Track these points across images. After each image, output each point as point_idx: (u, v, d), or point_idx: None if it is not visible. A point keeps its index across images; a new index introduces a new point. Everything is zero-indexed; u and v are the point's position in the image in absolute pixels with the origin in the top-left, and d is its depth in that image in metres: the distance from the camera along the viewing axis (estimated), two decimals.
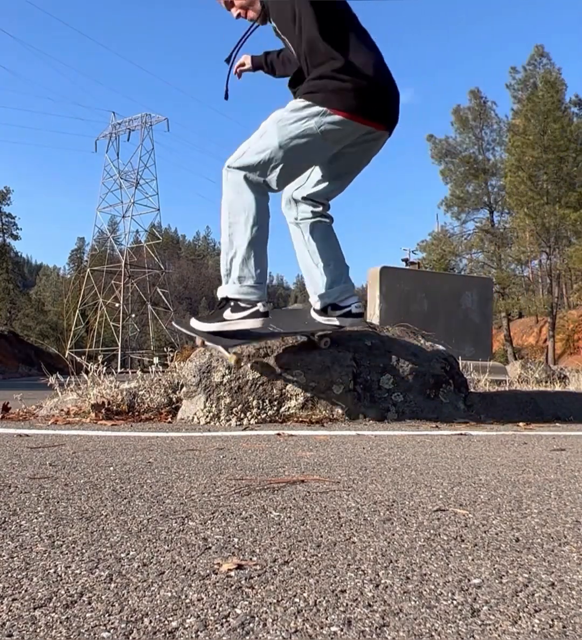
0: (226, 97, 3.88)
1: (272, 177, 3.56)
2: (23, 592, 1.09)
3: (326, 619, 0.99)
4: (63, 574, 1.18)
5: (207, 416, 4.26)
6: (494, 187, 51.05)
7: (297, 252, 4.14)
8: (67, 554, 1.30)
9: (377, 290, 11.06)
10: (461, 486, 2.11)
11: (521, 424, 4.53)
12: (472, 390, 5.58)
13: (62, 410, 4.70)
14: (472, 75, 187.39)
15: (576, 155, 43.07)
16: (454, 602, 1.07)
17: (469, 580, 1.18)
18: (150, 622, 0.97)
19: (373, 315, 10.74)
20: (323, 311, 4.13)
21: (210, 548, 1.35)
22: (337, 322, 4.12)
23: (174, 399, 4.63)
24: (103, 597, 1.07)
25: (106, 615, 0.99)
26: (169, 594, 1.08)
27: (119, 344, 55.89)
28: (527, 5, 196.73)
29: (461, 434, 3.73)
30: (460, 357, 7.74)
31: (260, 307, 3.66)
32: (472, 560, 1.30)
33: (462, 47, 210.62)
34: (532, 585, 1.16)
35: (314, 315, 4.21)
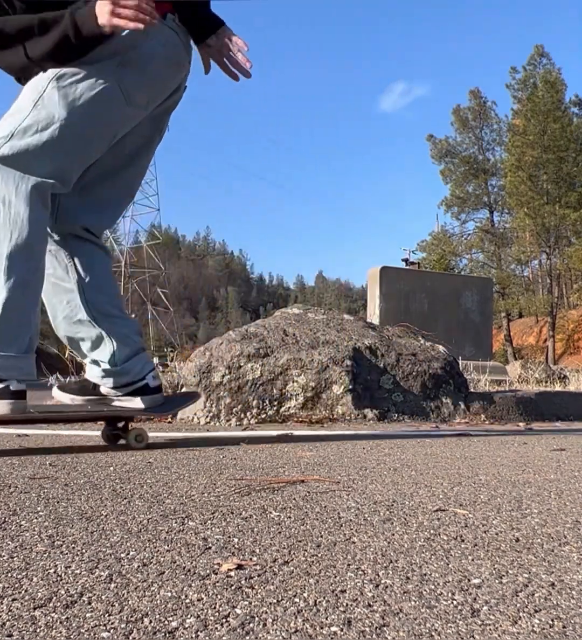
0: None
1: (63, 168, 2.48)
2: (23, 592, 1.08)
3: (326, 619, 0.99)
4: (63, 574, 1.18)
5: (207, 416, 4.26)
6: (494, 187, 51.07)
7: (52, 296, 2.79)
8: (67, 554, 1.30)
9: (377, 290, 11.06)
10: (461, 486, 2.11)
11: (521, 423, 4.53)
12: (472, 390, 5.58)
13: None
14: (476, 74, 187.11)
15: (576, 155, 43.08)
16: (454, 602, 1.07)
17: (469, 580, 1.18)
18: (150, 622, 0.97)
19: (373, 315, 10.73)
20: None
21: (210, 548, 1.35)
22: (134, 405, 2.86)
23: None
24: (103, 597, 1.07)
25: (106, 615, 0.99)
26: (169, 594, 1.08)
27: None
28: (528, 5, 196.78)
29: (461, 434, 3.73)
30: (460, 357, 7.74)
31: (13, 384, 2.46)
32: (472, 560, 1.30)
33: (462, 47, 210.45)
34: (532, 585, 1.16)
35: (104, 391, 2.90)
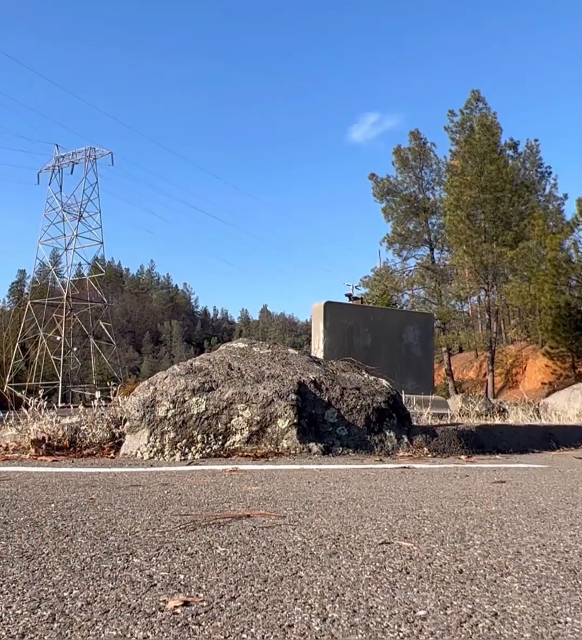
0: None
1: None
2: None
3: None
4: (3, 615, 1.14)
5: (150, 451, 4.20)
6: (434, 225, 52.25)
7: None
8: (7, 593, 1.26)
9: (321, 324, 11.15)
10: (405, 519, 2.13)
11: (462, 456, 4.61)
12: (415, 423, 5.65)
13: (0, 445, 4.56)
14: (442, 108, 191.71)
15: (512, 196, 44.55)
16: (400, 634, 1.09)
17: (414, 612, 1.20)
18: None
19: (317, 349, 10.79)
20: None
21: (155, 585, 1.33)
22: None
23: (117, 434, 4.55)
24: (45, 637, 1.04)
25: None
26: (114, 633, 1.06)
27: (60, 378, 54.57)
28: (466, 50, 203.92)
29: (405, 467, 3.77)
30: (403, 391, 7.84)
31: None
32: (418, 592, 1.32)
33: (430, 80, 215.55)
34: (475, 616, 1.18)
35: None
